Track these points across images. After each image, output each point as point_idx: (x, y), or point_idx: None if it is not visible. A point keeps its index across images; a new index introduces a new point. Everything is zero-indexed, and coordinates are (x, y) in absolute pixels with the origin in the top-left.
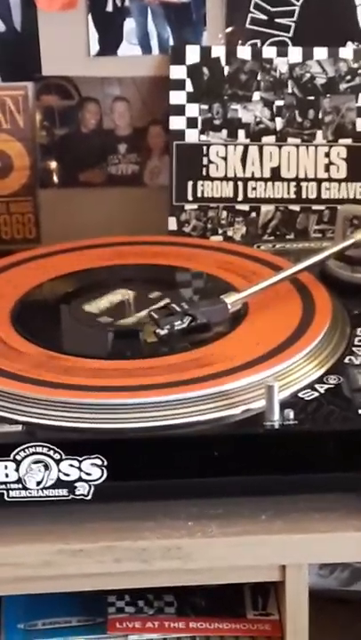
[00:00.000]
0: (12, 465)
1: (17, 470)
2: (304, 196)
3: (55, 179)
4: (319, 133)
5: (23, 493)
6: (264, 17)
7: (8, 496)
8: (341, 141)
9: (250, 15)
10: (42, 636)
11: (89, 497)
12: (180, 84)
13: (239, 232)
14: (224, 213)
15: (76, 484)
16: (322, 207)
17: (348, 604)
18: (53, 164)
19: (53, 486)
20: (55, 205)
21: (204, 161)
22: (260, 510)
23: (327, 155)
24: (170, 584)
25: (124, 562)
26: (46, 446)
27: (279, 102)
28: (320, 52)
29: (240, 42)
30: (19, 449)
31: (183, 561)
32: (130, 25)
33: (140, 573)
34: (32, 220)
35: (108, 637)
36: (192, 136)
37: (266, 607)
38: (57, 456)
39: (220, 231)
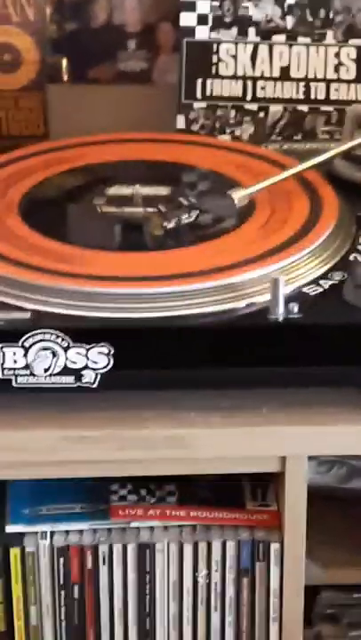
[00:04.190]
0: (20, 351)
1: (25, 357)
2: (313, 97)
3: (64, 74)
4: (330, 33)
5: (31, 380)
6: None
7: (16, 382)
8: (352, 42)
9: None
10: (46, 520)
11: (95, 385)
12: None
13: (247, 131)
14: (232, 112)
15: (83, 372)
16: (330, 108)
17: (344, 501)
18: (62, 60)
19: (60, 373)
20: (63, 101)
21: (214, 59)
22: (262, 402)
23: (337, 55)
24: (172, 473)
25: (128, 450)
26: (54, 334)
27: (290, 0)
28: None
29: None
30: (27, 335)
31: (186, 450)
32: None
33: (143, 461)
34: (40, 116)
35: (111, 524)
36: (202, 33)
37: (265, 498)
38: (64, 343)
39: (228, 130)
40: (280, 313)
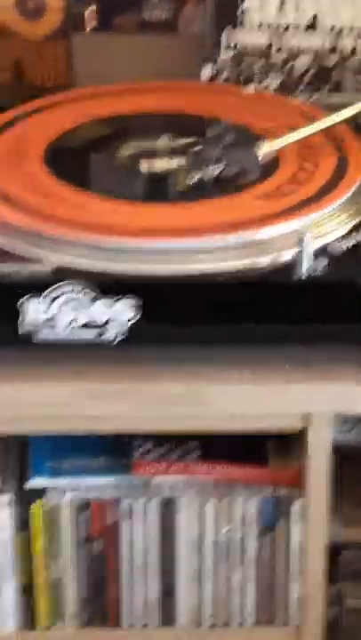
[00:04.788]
0: (42, 305)
1: (48, 310)
2: (341, 48)
3: (89, 22)
4: None
5: (53, 334)
6: None
7: (38, 336)
8: None
9: None
10: (68, 474)
11: (118, 339)
12: None
13: (274, 83)
14: (259, 63)
15: (106, 326)
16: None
17: None
18: (87, 7)
19: (83, 328)
20: (88, 50)
21: (241, 8)
22: (286, 359)
23: None
24: (194, 429)
25: (151, 405)
26: (77, 287)
27: None
28: None
29: None
30: (50, 288)
31: (208, 407)
32: None
33: (164, 418)
34: (64, 65)
35: (133, 479)
36: None
37: (288, 456)
38: (87, 297)
39: (254, 81)
40: (306, 269)
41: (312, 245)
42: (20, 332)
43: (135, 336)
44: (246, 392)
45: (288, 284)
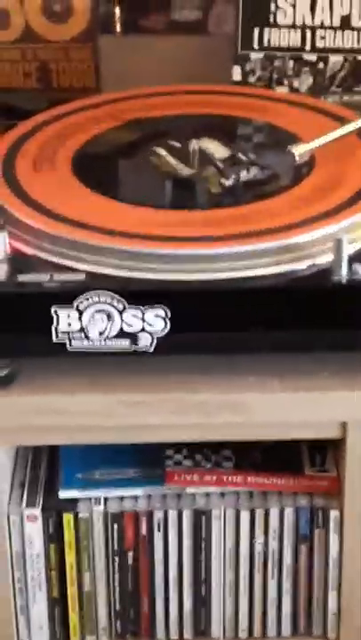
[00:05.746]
0: (74, 314)
1: (80, 319)
2: None
3: (116, 24)
4: None
5: (85, 343)
6: None
7: (70, 345)
8: None
9: None
10: (99, 486)
11: (151, 349)
12: None
13: (306, 83)
14: (291, 63)
15: (139, 335)
16: None
17: None
18: (115, 9)
19: (116, 337)
20: (116, 53)
21: (272, 7)
22: (323, 367)
23: None
24: (229, 438)
25: (185, 414)
26: (110, 295)
27: None
28: None
29: None
30: (81, 297)
31: (244, 415)
32: None
33: (200, 426)
34: (91, 68)
35: (166, 489)
36: None
37: (324, 464)
38: (120, 306)
39: (285, 82)
40: (344, 274)
41: (350, 249)
42: (53, 341)
43: (169, 345)
44: (283, 400)
45: (326, 289)
